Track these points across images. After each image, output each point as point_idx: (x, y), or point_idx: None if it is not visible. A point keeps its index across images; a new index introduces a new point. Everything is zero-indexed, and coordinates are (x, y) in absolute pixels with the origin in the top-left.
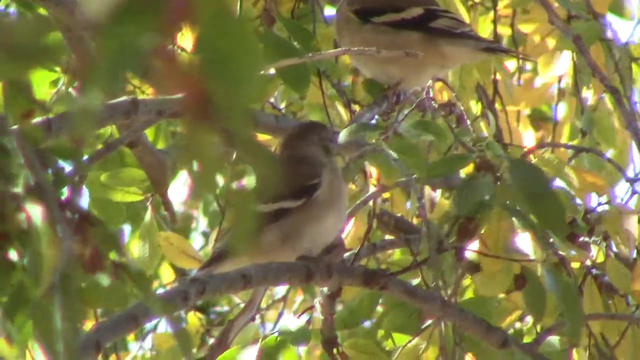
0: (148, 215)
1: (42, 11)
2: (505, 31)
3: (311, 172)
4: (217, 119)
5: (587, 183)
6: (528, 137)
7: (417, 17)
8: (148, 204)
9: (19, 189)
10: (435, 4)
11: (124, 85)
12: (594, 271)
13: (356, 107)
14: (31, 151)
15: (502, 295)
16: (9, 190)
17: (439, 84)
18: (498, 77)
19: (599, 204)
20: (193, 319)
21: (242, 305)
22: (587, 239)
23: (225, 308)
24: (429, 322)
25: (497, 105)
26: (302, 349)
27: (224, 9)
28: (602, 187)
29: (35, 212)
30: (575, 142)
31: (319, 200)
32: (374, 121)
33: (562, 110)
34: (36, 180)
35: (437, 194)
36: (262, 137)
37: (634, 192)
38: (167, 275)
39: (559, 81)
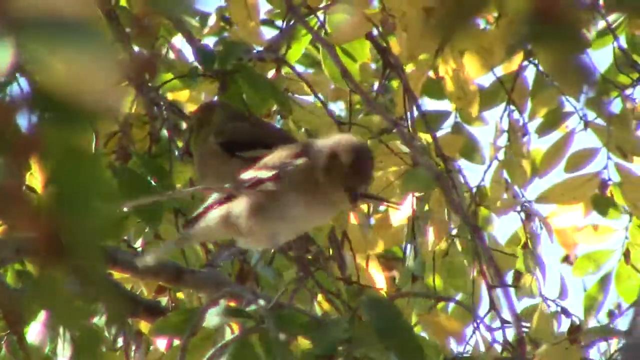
0: (2, 353)
1: None
2: None
3: None
4: (70, 257)
5: (444, 328)
6: (378, 278)
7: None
8: (2, 342)
9: None
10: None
11: None
12: None
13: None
14: None
15: None
16: None
17: None
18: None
19: (458, 353)
20: None
21: None
22: None
23: None
24: None
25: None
26: None
27: (75, 144)
28: (459, 332)
29: None
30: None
31: None
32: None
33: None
34: None
35: None
36: (120, 275)
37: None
38: None
39: (412, 221)
